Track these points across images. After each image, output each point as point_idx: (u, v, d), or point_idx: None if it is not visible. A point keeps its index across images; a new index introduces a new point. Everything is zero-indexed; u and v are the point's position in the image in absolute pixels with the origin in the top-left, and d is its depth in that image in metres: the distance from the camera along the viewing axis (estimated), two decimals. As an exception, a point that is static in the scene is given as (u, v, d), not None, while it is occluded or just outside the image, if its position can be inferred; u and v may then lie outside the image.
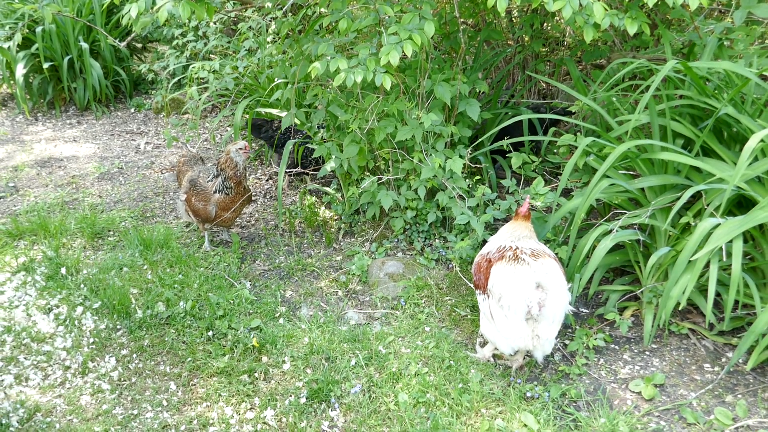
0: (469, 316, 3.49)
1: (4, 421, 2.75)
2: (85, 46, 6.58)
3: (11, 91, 7.06)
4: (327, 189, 4.59)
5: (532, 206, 3.53)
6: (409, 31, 3.27)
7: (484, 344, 3.24)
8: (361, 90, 3.95)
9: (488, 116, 4.52)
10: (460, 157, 3.82)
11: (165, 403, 2.91)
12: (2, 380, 3.01)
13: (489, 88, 4.65)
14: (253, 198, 4.14)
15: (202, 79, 5.69)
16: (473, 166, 4.11)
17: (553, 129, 4.39)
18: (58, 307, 3.52)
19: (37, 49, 6.50)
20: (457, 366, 3.08)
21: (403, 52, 3.24)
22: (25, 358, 3.15)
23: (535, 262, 2.86)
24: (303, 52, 4.20)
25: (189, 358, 3.16)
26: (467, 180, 3.88)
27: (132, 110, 6.98)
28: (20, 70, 6.47)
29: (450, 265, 3.90)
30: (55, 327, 3.37)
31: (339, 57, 3.43)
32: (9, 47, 6.23)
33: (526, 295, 2.75)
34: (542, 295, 2.76)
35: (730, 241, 2.85)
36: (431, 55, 4.03)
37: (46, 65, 6.45)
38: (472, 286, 3.54)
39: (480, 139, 4.21)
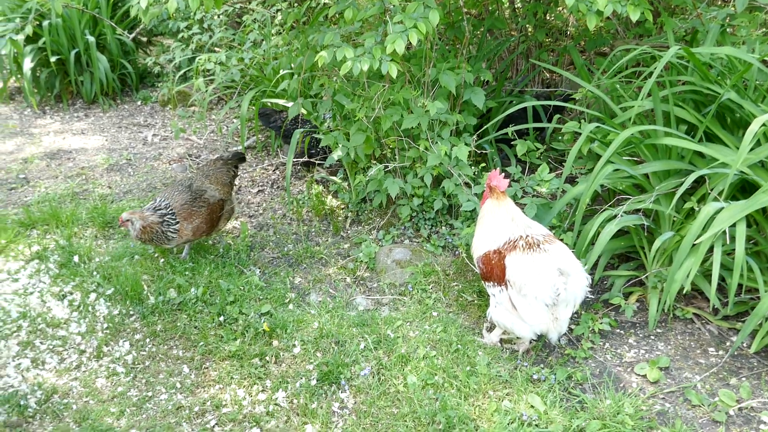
0: (475, 302, 3.54)
1: (22, 403, 2.81)
2: (91, 39, 6.62)
3: (19, 85, 7.11)
4: (334, 178, 4.65)
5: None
6: (414, 19, 3.31)
7: (491, 329, 3.29)
8: (367, 79, 3.99)
9: (493, 105, 4.56)
10: (466, 144, 3.86)
11: (178, 385, 2.97)
12: (19, 364, 3.07)
13: (493, 77, 4.69)
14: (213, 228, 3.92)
15: (209, 71, 5.73)
16: (479, 152, 4.15)
17: (557, 116, 4.42)
18: (71, 293, 3.58)
19: (44, 42, 6.54)
20: (465, 349, 3.14)
21: (408, 40, 3.29)
22: (41, 342, 3.22)
23: (552, 248, 2.91)
24: (309, 42, 4.25)
25: (201, 343, 3.22)
26: (473, 167, 3.93)
27: (138, 103, 7.03)
28: (27, 64, 6.52)
29: (456, 252, 3.95)
30: (70, 313, 3.43)
31: (345, 46, 3.48)
32: (18, 40, 6.27)
33: (551, 282, 2.81)
34: (564, 280, 2.82)
35: (734, 225, 2.90)
36: (435, 44, 4.07)
37: (53, 59, 6.49)
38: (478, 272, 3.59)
39: (485, 127, 4.25)
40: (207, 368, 3.08)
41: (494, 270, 3.02)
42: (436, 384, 2.91)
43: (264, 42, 5.83)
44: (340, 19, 4.46)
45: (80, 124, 6.47)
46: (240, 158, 4.19)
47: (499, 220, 3.12)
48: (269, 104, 5.34)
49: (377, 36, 3.55)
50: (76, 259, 3.87)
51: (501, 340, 3.24)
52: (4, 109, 6.87)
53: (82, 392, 2.92)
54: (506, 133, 4.17)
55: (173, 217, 3.60)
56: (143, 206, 3.96)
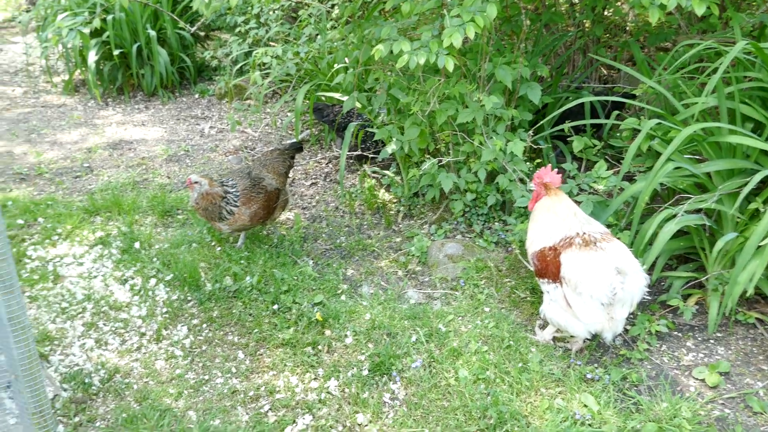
0: (528, 298, 3.51)
1: (86, 381, 2.93)
2: (152, 33, 6.82)
3: (84, 78, 7.37)
4: (386, 172, 4.67)
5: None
6: (472, 13, 3.30)
7: (544, 326, 3.26)
8: (422, 73, 3.99)
9: (549, 100, 4.51)
10: (521, 140, 3.82)
11: (234, 370, 3.04)
12: (84, 343, 3.20)
13: (549, 73, 4.63)
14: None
15: (265, 64, 5.83)
16: (535, 147, 4.10)
17: (615, 113, 4.34)
18: (133, 278, 3.70)
19: (107, 36, 6.76)
20: (517, 346, 3.12)
21: (465, 34, 3.28)
22: (104, 324, 3.34)
23: (610, 246, 2.87)
24: (365, 36, 4.27)
25: (255, 330, 3.29)
26: (527, 163, 3.89)
27: (196, 96, 7.20)
28: (92, 57, 6.76)
29: (509, 248, 3.92)
30: (131, 297, 3.55)
31: (402, 39, 3.49)
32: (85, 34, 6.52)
33: (608, 281, 2.77)
34: (622, 279, 2.77)
35: (803, 226, 2.79)
36: (491, 39, 4.04)
37: (116, 52, 6.72)
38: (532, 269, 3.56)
39: (540, 123, 4.20)
40: (261, 355, 3.15)
41: (549, 267, 2.99)
42: (487, 379, 2.90)
43: (319, 36, 5.89)
44: (396, 13, 4.48)
45: (141, 116, 6.67)
46: (296, 149, 4.25)
47: (554, 216, 3.08)
48: (323, 98, 5.40)
49: (434, 30, 3.55)
50: (137, 245, 4.00)
51: (554, 338, 3.21)
52: (69, 100, 7.13)
53: (143, 373, 3.02)
54: (562, 130, 4.11)
55: (235, 198, 3.68)
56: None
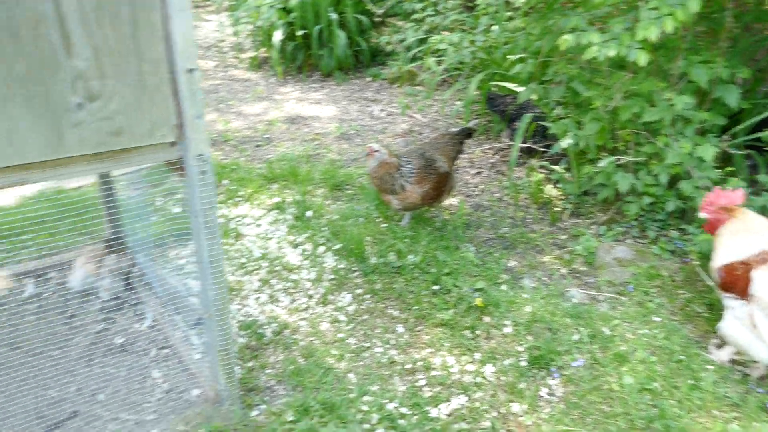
0: (704, 314, 3.27)
1: (259, 331, 3.16)
2: (334, 17, 7.13)
3: (268, 55, 7.89)
4: (556, 167, 4.55)
5: None
6: (671, 6, 3.11)
7: (721, 346, 3.02)
8: (607, 67, 3.83)
9: (746, 105, 4.14)
10: (713, 145, 3.55)
11: (393, 342, 3.13)
12: (258, 297, 3.45)
13: (751, 74, 4.25)
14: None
15: (440, 50, 5.89)
16: (728, 153, 3.79)
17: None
18: (303, 244, 3.93)
19: (293, 18, 7.19)
20: (688, 362, 2.92)
21: (662, 28, 3.10)
22: (276, 282, 3.58)
23: None
24: (549, 27, 4.18)
25: (415, 307, 3.36)
26: (716, 170, 3.61)
27: (368, 79, 7.44)
28: (278, 36, 7.22)
29: (686, 259, 3.67)
30: (301, 260, 3.77)
31: (591, 31, 3.38)
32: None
33: None
34: None
35: None
36: (687, 35, 3.78)
37: (299, 33, 7.12)
38: (711, 284, 3.31)
39: (733, 129, 3.88)
40: (419, 331, 3.21)
41: (738, 281, 2.76)
42: (654, 390, 2.75)
43: (495, 26, 5.85)
44: (580, 4, 4.32)
45: (316, 95, 7.02)
46: (467, 134, 4.27)
47: (748, 231, 2.85)
48: (495, 88, 5.36)
49: (626, 22, 3.40)
50: (309, 214, 4.23)
51: (731, 360, 2.96)
52: (253, 75, 7.68)
53: (308, 332, 3.20)
54: (758, 138, 3.77)
55: (410, 173, 3.77)
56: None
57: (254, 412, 2.63)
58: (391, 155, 3.80)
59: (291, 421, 2.55)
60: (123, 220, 3.66)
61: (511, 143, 4.87)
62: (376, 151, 3.79)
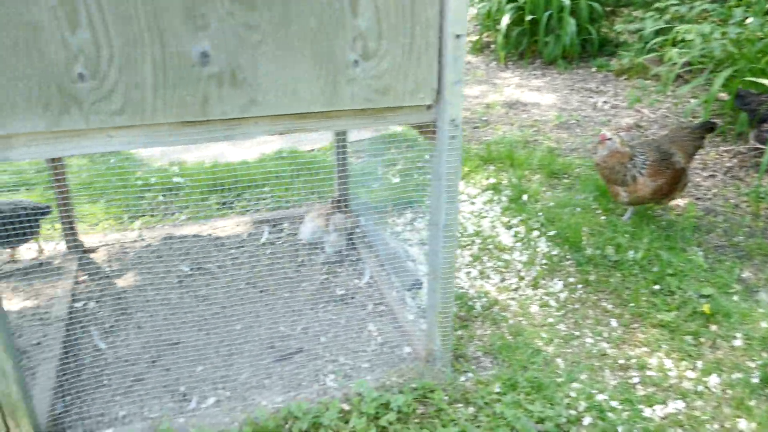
0: None
1: (469, 303, 3.23)
2: (566, 2, 6.95)
3: (490, 40, 7.93)
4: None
5: None
6: None
7: None
8: None
9: None
10: None
11: (605, 335, 3.03)
12: (469, 272, 3.53)
13: None
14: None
15: (684, 43, 5.48)
16: None
17: None
18: (517, 226, 3.93)
19: (523, 2, 7.13)
20: None
21: None
22: (487, 259, 3.63)
23: None
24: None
25: (632, 304, 3.21)
26: None
27: (593, 70, 7.17)
28: (505, 21, 7.22)
29: None
30: (513, 242, 3.78)
31: None
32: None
33: None
34: None
35: None
36: None
37: (528, 18, 7.04)
38: None
39: None
40: (635, 329, 3.07)
41: None
42: None
43: (750, 18, 5.30)
44: None
45: (536, 82, 6.92)
46: (709, 128, 3.95)
47: None
48: (748, 84, 4.87)
49: None
50: (524, 197, 4.22)
51: None
52: (474, 59, 7.76)
53: (517, 312, 3.21)
54: None
55: (644, 165, 3.60)
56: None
57: (462, 378, 2.71)
58: (623, 145, 3.64)
59: (498, 393, 2.59)
60: (350, 183, 3.94)
61: (758, 146, 4.41)
62: (608, 139, 3.66)
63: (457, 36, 2.03)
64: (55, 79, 1.75)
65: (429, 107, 2.19)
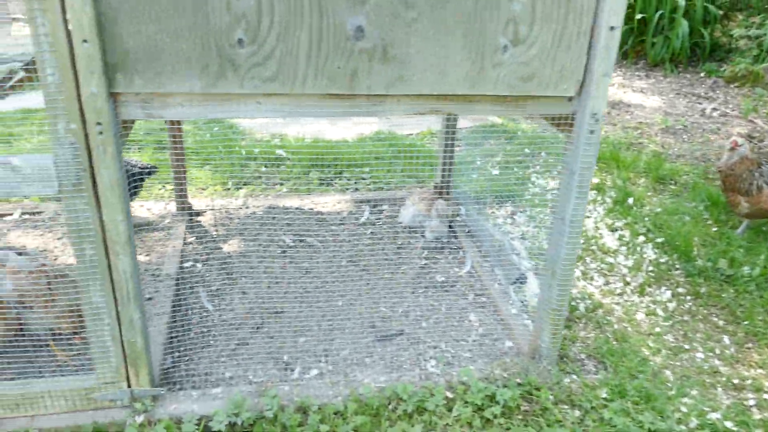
0: None
1: (572, 304, 3.15)
2: (681, 3, 6.64)
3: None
4: None
5: None
6: None
7: None
8: None
9: None
10: None
11: (717, 351, 2.89)
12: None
13: None
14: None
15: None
16: None
17: None
18: (622, 229, 3.80)
19: (633, 0, 6.86)
20: None
21: None
22: (591, 260, 3.53)
23: None
24: None
25: (746, 322, 3.05)
26: None
27: (701, 75, 6.85)
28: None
29: None
30: (618, 245, 3.66)
31: None
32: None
33: None
34: None
35: None
36: None
37: (638, 16, 6.77)
38: None
39: None
40: (749, 348, 2.92)
41: None
42: None
43: None
44: None
45: (640, 83, 6.67)
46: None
47: None
48: None
49: None
50: (630, 201, 4.07)
51: None
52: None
53: (622, 317, 3.11)
54: None
55: None
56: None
57: (566, 379, 2.64)
58: (753, 150, 3.46)
59: (605, 398, 2.51)
60: (452, 171, 3.90)
61: None
62: (740, 145, 3.48)
63: (612, 28, 1.95)
64: (216, 42, 1.78)
65: (570, 99, 2.12)
